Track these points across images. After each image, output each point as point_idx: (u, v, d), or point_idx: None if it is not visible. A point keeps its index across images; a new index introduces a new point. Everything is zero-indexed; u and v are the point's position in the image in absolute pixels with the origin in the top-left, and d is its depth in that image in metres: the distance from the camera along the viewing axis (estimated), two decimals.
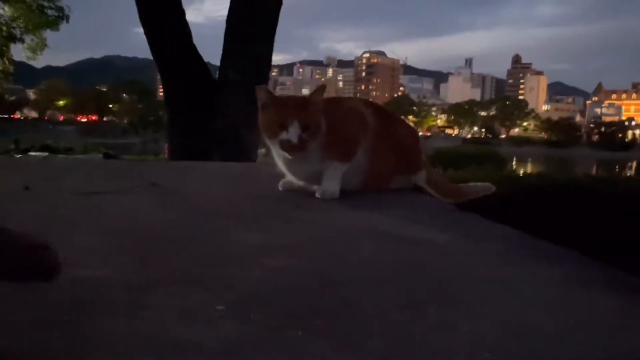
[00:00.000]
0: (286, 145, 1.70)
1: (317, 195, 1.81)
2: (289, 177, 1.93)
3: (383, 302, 0.81)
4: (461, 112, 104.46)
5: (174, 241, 1.17)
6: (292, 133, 1.68)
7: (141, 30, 6.81)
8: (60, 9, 13.55)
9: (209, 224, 1.37)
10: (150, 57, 7.10)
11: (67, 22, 13.43)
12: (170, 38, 6.88)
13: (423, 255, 1.11)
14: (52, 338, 0.65)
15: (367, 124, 1.89)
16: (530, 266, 1.05)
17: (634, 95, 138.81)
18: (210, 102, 6.63)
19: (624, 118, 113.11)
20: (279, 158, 1.84)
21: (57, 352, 0.62)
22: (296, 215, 1.50)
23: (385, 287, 0.89)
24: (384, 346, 0.66)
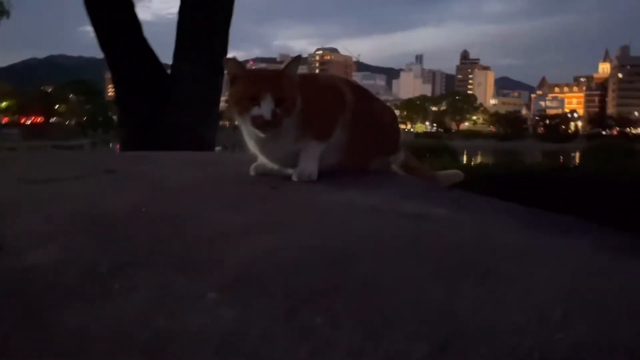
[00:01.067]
0: (258, 122, 1.54)
1: (294, 177, 1.65)
2: (262, 160, 1.77)
3: (409, 278, 0.67)
4: (413, 108, 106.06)
5: (140, 223, 1.00)
6: (265, 108, 1.52)
7: (87, 28, 6.46)
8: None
9: (177, 205, 1.20)
10: (98, 55, 6.74)
11: (8, 17, 12.69)
12: (120, 31, 6.56)
13: (431, 228, 0.98)
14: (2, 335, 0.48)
15: (345, 101, 1.76)
16: (550, 235, 0.94)
17: (575, 89, 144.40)
18: (163, 97, 6.36)
19: (566, 110, 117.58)
20: (250, 138, 1.68)
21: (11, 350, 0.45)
22: (274, 195, 1.35)
23: (405, 261, 0.75)
24: (428, 330, 0.53)
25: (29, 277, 0.64)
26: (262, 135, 1.59)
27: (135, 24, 6.80)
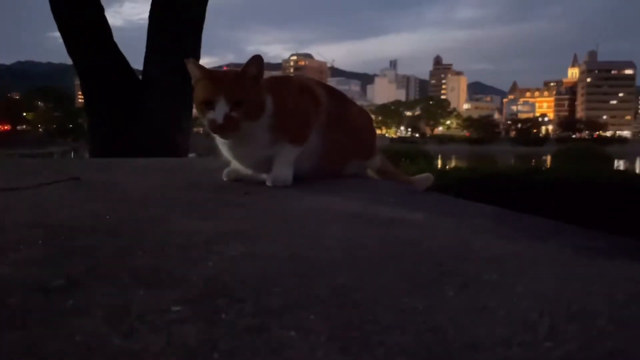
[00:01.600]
0: (212, 125, 1.49)
1: (268, 182, 1.61)
2: (235, 165, 1.72)
3: (385, 287, 0.64)
4: (388, 113, 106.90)
5: (101, 233, 0.94)
6: (218, 111, 1.47)
7: (56, 34, 6.32)
8: None
9: (141, 214, 1.14)
10: (67, 61, 6.61)
11: None
12: (89, 37, 6.43)
13: (407, 234, 0.94)
14: None
15: (320, 104, 1.72)
16: (530, 239, 0.91)
17: (545, 93, 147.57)
18: (134, 102, 6.25)
19: (537, 114, 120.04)
20: (222, 142, 1.63)
21: None
22: (246, 201, 1.30)
23: (380, 270, 0.71)
24: (410, 341, 0.49)
25: None
26: (222, 140, 1.55)
27: (104, 29, 6.67)
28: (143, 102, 6.16)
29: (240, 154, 1.65)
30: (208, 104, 1.49)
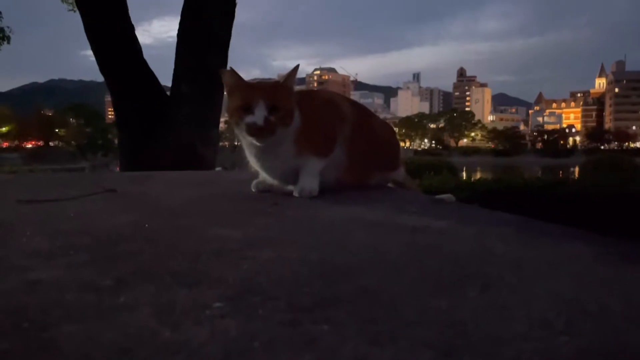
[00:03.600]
0: (251, 128, 1.55)
1: (295, 193, 1.66)
2: (263, 177, 1.78)
3: (411, 288, 0.68)
4: (411, 125, 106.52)
5: (140, 239, 1.00)
6: (258, 114, 1.54)
7: (88, 52, 6.57)
8: (0, 30, 12.89)
9: (176, 222, 1.20)
10: (98, 79, 6.83)
11: (9, 42, 12.78)
12: (120, 54, 6.63)
13: (430, 240, 0.98)
14: (3, 352, 0.48)
15: (344, 117, 1.77)
16: (551, 245, 0.94)
17: (572, 104, 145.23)
18: (162, 117, 6.40)
19: (564, 125, 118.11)
20: (251, 154, 1.69)
21: None
22: (275, 211, 1.35)
23: (405, 272, 0.75)
24: (433, 336, 0.53)
25: (31, 295, 0.64)
26: (257, 143, 1.60)
27: (135, 47, 6.87)
28: (171, 117, 6.32)
29: (268, 165, 1.70)
30: (247, 109, 1.55)
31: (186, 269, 0.78)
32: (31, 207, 1.41)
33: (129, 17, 6.81)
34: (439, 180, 8.18)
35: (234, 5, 6.66)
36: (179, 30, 6.55)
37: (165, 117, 6.34)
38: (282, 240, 1.00)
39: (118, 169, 7.56)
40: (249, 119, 1.54)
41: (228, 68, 1.60)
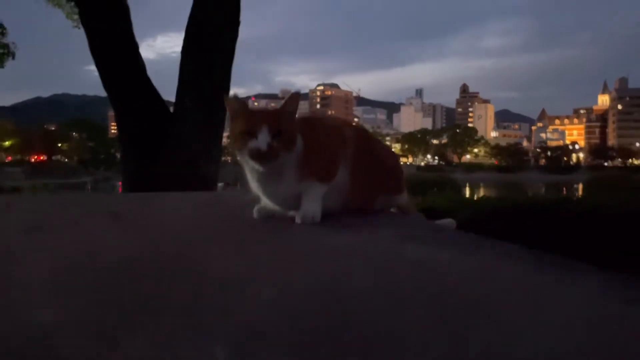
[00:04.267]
0: (255, 154, 1.56)
1: (297, 220, 1.65)
2: (264, 202, 1.77)
3: (413, 323, 0.67)
4: (414, 141, 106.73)
5: (144, 271, 0.99)
6: (261, 139, 1.54)
7: (91, 67, 6.60)
8: (4, 46, 13.01)
9: (181, 251, 1.20)
10: (101, 94, 6.88)
11: (13, 58, 12.90)
12: (124, 72, 6.68)
13: (434, 273, 0.97)
14: None
15: (347, 142, 1.77)
16: (558, 279, 0.93)
17: (575, 120, 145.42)
18: (165, 134, 6.43)
19: (567, 142, 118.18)
20: (253, 178, 1.69)
21: None
22: (278, 239, 1.34)
23: (409, 307, 0.74)
24: (436, 356, 0.51)
25: (29, 339, 0.63)
26: (260, 168, 1.60)
27: (139, 65, 6.92)
28: (174, 133, 6.34)
29: (270, 190, 1.70)
30: (250, 134, 1.55)
31: (190, 304, 0.77)
32: (34, 236, 1.40)
33: (133, 35, 6.87)
34: (443, 197, 8.17)
35: (237, 23, 6.71)
36: (183, 47, 6.60)
37: (169, 133, 6.36)
38: (285, 270, 0.99)
39: (120, 183, 7.58)
40: (253, 143, 1.55)
41: (231, 91, 1.60)
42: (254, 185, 1.70)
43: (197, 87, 6.48)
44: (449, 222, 1.94)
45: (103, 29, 6.46)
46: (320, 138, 1.71)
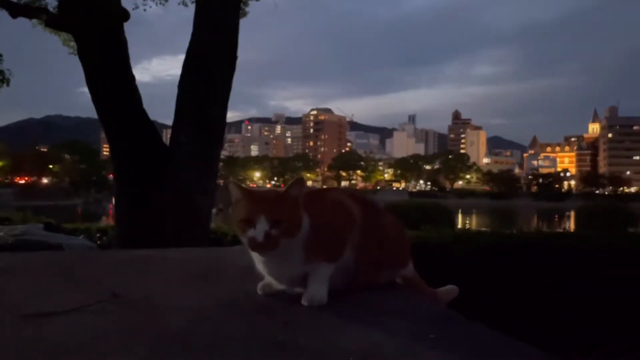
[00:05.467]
0: (252, 243, 1.51)
1: (304, 302, 1.60)
2: (268, 280, 1.72)
3: None
4: (407, 166, 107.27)
5: None
6: (259, 229, 1.49)
7: (84, 89, 6.59)
8: (1, 73, 12.96)
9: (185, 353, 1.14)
10: (94, 116, 6.86)
11: (8, 85, 12.85)
12: (120, 106, 6.67)
13: None
14: None
15: (353, 218, 1.72)
16: None
17: (567, 148, 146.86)
18: (160, 168, 6.40)
19: (559, 169, 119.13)
20: (257, 259, 1.64)
21: None
22: (287, 338, 1.28)
23: None
24: None
25: None
26: (261, 257, 1.57)
27: (134, 97, 6.92)
28: (169, 167, 6.31)
29: (275, 271, 1.65)
30: (249, 222, 1.51)
31: None
32: (28, 330, 1.33)
33: (130, 68, 6.88)
34: (437, 231, 8.13)
35: (235, 58, 6.75)
36: (179, 82, 6.62)
37: (164, 168, 6.33)
38: None
39: (112, 206, 7.52)
40: (251, 232, 1.50)
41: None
42: (259, 266, 1.65)
43: (194, 122, 6.47)
44: (451, 289, 1.93)
45: (100, 65, 6.46)
46: (326, 216, 1.66)
